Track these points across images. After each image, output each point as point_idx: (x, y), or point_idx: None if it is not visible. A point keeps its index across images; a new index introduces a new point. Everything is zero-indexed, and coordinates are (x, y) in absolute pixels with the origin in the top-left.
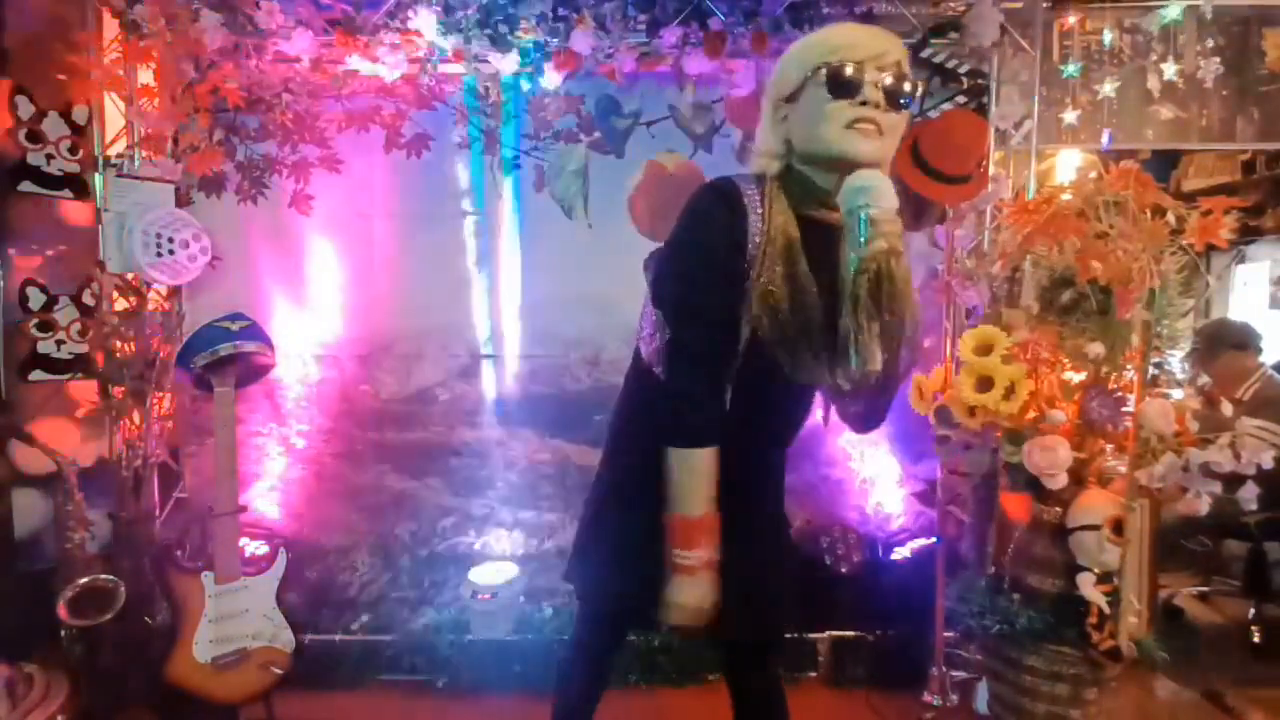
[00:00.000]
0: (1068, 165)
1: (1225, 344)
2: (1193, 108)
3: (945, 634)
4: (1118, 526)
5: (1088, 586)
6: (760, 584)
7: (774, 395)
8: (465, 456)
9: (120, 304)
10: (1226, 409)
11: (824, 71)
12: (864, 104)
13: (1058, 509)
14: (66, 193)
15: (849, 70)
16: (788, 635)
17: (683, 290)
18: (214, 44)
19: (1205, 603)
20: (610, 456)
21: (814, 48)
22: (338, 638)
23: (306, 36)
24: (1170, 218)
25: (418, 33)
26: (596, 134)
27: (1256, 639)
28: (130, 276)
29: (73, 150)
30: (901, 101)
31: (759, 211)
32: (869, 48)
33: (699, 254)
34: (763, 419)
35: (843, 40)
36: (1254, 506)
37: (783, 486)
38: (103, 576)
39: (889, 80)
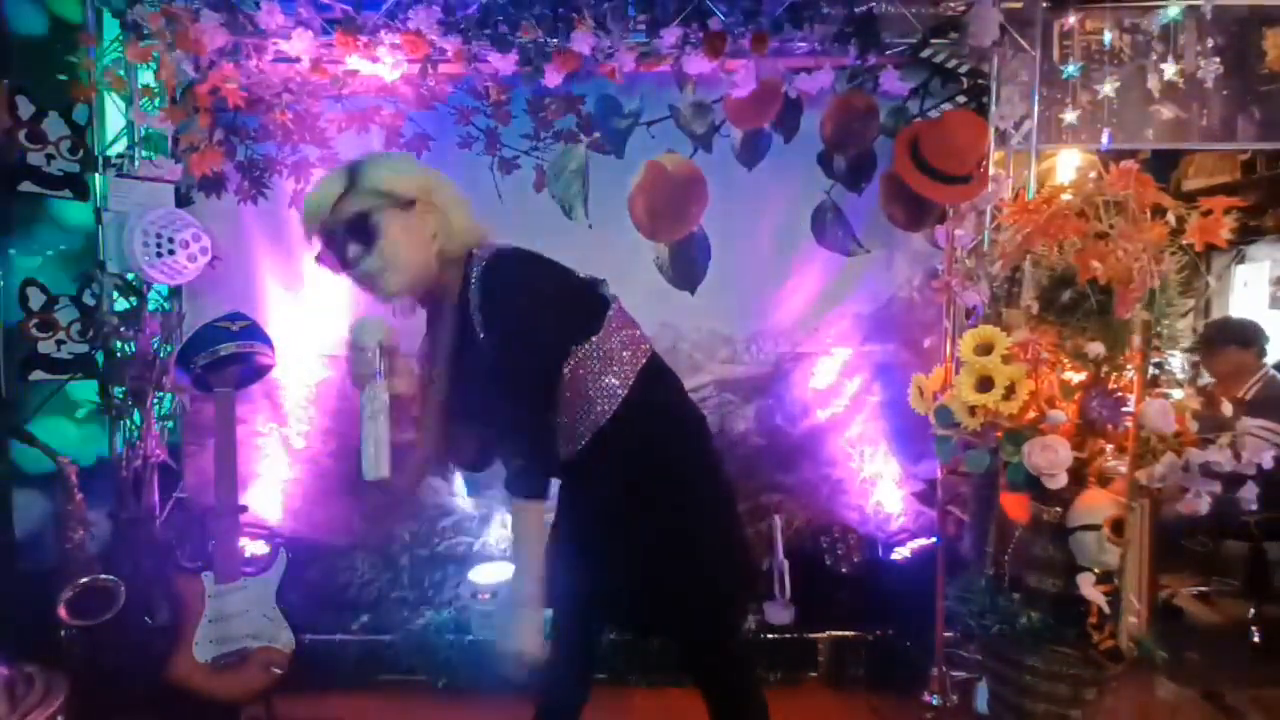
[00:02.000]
0: (1068, 165)
1: (1230, 340)
2: (1193, 108)
3: (945, 634)
4: (1118, 526)
5: (1088, 586)
6: (631, 573)
7: None
8: None
9: (120, 304)
10: (1227, 409)
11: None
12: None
13: (1058, 509)
14: (66, 193)
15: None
16: (788, 635)
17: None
18: (214, 44)
19: (1205, 603)
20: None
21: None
22: (338, 638)
23: (306, 36)
24: (1170, 218)
25: (418, 33)
26: (596, 134)
27: (1256, 639)
28: (130, 276)
29: (73, 150)
30: (366, 232)
31: None
32: (319, 205)
33: None
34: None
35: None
36: (1254, 506)
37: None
38: (103, 576)
39: (346, 221)
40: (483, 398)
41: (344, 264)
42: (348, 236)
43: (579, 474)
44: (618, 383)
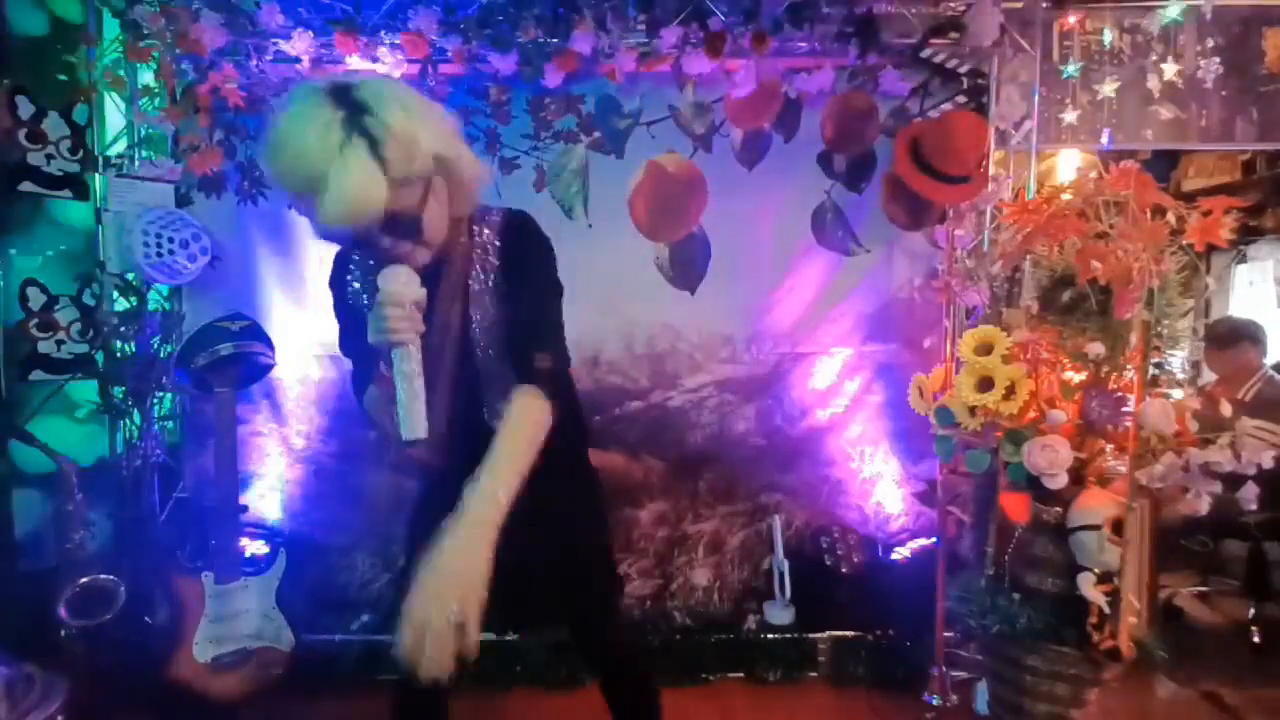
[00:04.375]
0: (1068, 165)
1: (1242, 335)
2: (1193, 108)
3: (945, 634)
4: (1118, 526)
5: (1088, 586)
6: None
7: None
8: None
9: (120, 304)
10: (1227, 409)
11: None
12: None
13: (1058, 509)
14: (66, 193)
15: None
16: (788, 635)
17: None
18: (214, 44)
19: (1205, 603)
20: None
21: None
22: (337, 638)
23: (306, 37)
24: (1170, 218)
25: (418, 33)
26: (596, 134)
27: (1256, 639)
28: (130, 276)
29: (73, 150)
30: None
31: None
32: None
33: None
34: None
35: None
36: (1254, 506)
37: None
38: (103, 576)
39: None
40: (509, 341)
41: (365, 247)
42: (387, 233)
43: None
44: None
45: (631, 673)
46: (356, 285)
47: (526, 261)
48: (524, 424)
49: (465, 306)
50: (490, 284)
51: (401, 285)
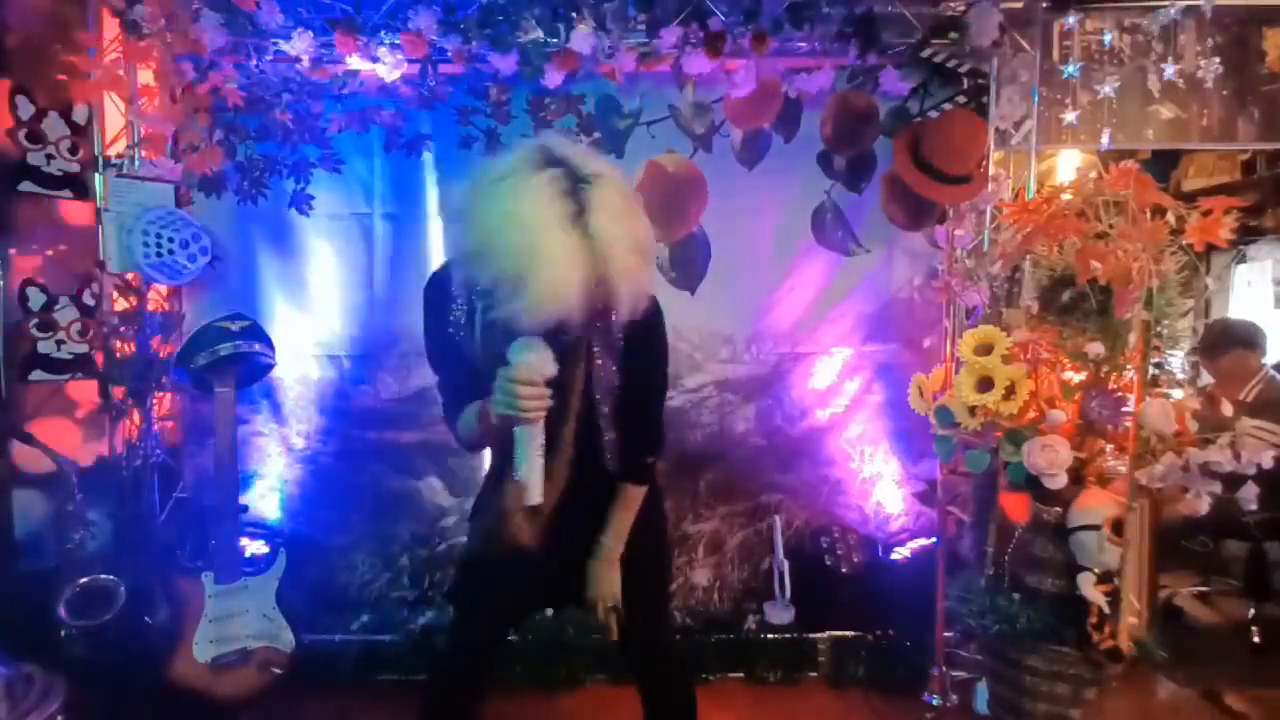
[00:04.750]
0: (1068, 165)
1: (1233, 342)
2: (1193, 108)
3: (945, 634)
4: (1118, 526)
5: (1088, 586)
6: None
7: None
8: (465, 456)
9: (120, 304)
10: (1227, 409)
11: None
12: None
13: (1058, 509)
14: (66, 193)
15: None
16: (788, 635)
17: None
18: (214, 44)
19: (1205, 603)
20: None
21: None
22: (337, 638)
23: (306, 37)
24: (1170, 218)
25: (418, 33)
26: (596, 134)
27: (1256, 639)
28: (130, 276)
29: (73, 150)
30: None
31: None
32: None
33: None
34: None
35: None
36: (1254, 506)
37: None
38: (103, 576)
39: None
40: (633, 412)
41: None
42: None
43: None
44: None
45: (679, 675)
46: (460, 310)
47: (652, 347)
48: (631, 512)
49: (588, 374)
50: (611, 356)
51: (537, 361)
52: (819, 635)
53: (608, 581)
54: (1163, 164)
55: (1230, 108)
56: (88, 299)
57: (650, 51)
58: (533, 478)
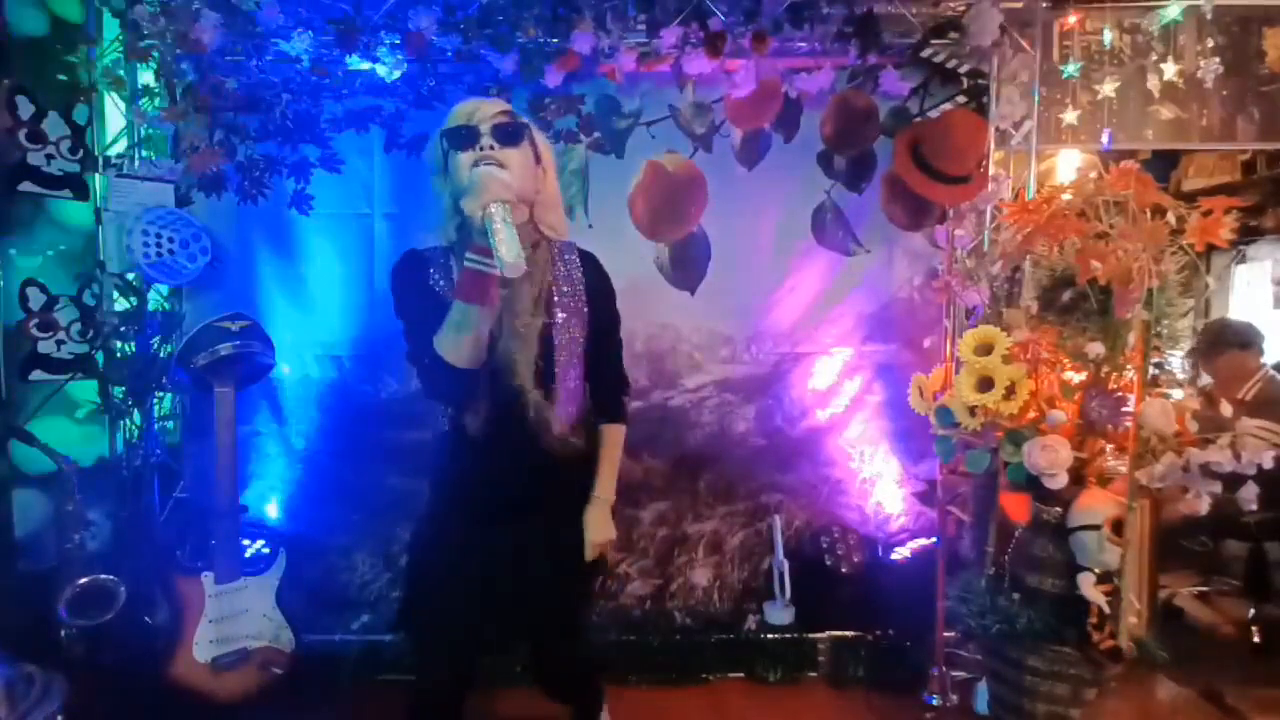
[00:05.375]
0: (1068, 165)
1: (1229, 343)
2: (1193, 108)
3: (945, 634)
4: (1118, 526)
5: (1088, 586)
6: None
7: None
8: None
9: (120, 304)
10: (1226, 409)
11: (445, 137)
12: (481, 148)
13: (1058, 509)
14: (66, 193)
15: (461, 126)
16: (788, 635)
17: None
18: (214, 44)
19: (1205, 603)
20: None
21: (442, 126)
22: (338, 638)
23: (306, 36)
24: (1170, 218)
25: (418, 33)
26: (596, 134)
27: (1256, 639)
28: (130, 276)
29: (73, 150)
30: (511, 135)
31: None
32: (475, 109)
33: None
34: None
35: (457, 111)
36: (1254, 506)
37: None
38: (103, 576)
39: (494, 124)
40: (596, 351)
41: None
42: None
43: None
44: None
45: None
46: (439, 284)
47: (605, 295)
48: (617, 450)
49: (549, 306)
50: (572, 296)
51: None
52: (819, 635)
53: (600, 526)
54: (1163, 164)
55: (1230, 108)
56: (88, 299)
57: (650, 51)
58: (512, 252)
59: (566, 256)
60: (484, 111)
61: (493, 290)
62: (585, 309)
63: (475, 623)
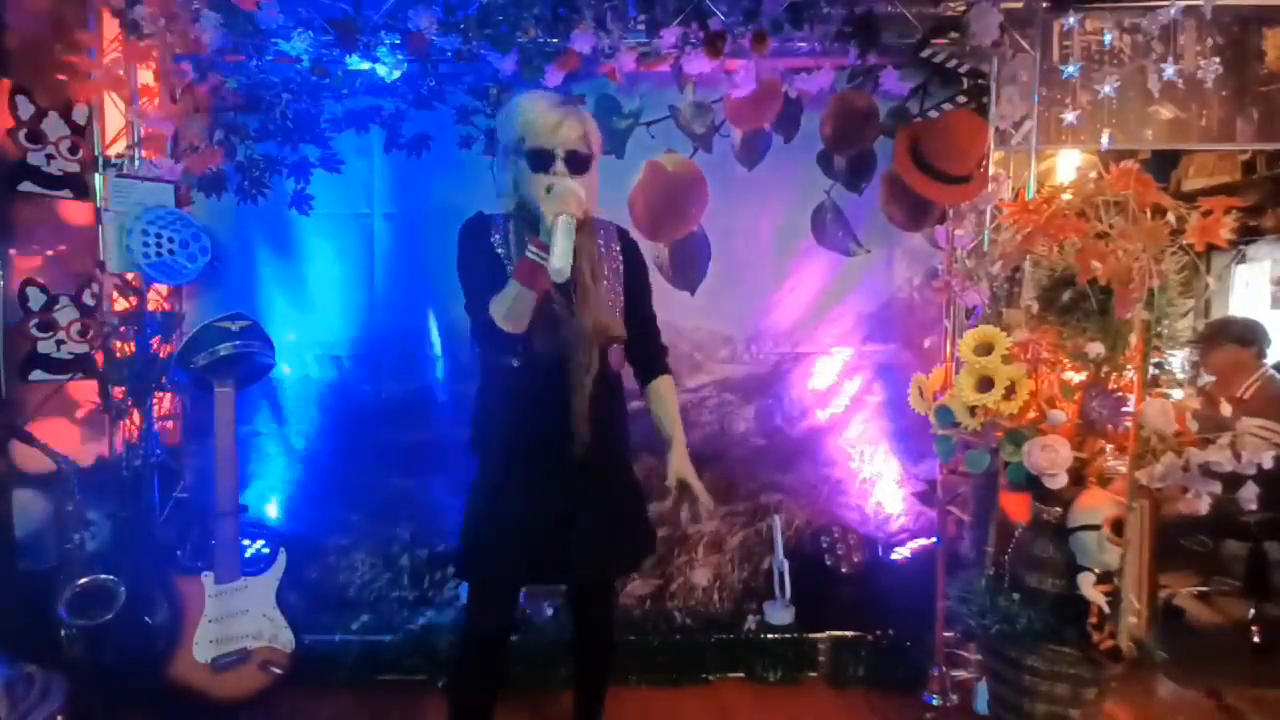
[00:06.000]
0: (1068, 165)
1: (1227, 337)
2: (1193, 108)
3: (945, 634)
4: (1118, 526)
5: (1088, 586)
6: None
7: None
8: (465, 456)
9: (120, 304)
10: (1226, 409)
11: (524, 148)
12: (554, 173)
13: (1058, 509)
14: (66, 193)
15: (539, 148)
16: (788, 635)
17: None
18: (214, 44)
19: (1205, 603)
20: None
21: (514, 122)
22: (338, 638)
23: (306, 36)
24: (1170, 218)
25: (418, 33)
26: None
27: (1256, 639)
28: (130, 276)
29: (73, 150)
30: (581, 165)
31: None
32: (558, 126)
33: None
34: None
35: (539, 118)
36: (1254, 506)
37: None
38: (103, 576)
39: (569, 150)
40: (637, 318)
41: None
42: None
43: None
44: None
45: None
46: (500, 249)
47: (642, 267)
48: (675, 397)
49: (594, 266)
50: (614, 261)
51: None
52: (819, 635)
53: (680, 465)
54: (1163, 164)
55: (1230, 108)
56: (88, 299)
57: (650, 51)
58: (564, 261)
59: (604, 230)
60: (563, 135)
61: (543, 279)
62: (622, 271)
63: (535, 560)
